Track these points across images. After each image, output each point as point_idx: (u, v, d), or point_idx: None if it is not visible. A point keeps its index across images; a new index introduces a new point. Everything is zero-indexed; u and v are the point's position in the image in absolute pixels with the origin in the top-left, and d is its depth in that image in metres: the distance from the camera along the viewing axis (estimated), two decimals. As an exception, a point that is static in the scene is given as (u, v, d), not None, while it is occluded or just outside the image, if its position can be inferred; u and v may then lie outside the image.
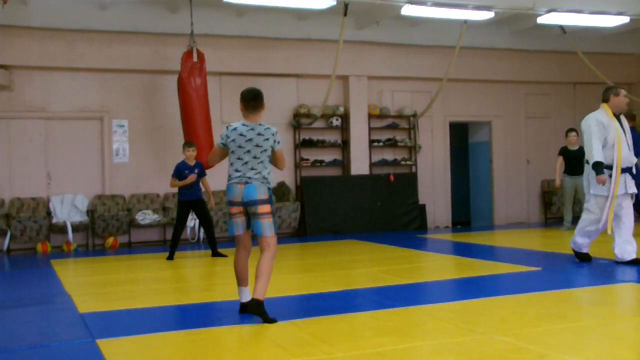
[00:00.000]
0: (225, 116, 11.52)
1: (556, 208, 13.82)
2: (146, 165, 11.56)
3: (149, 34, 11.33)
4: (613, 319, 4.92)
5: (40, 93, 11.05)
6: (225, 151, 5.34)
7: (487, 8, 11.10)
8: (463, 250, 9.97)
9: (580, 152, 10.98)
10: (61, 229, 10.71)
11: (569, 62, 13.78)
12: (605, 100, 7.36)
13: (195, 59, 10.58)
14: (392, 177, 12.81)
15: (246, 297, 5.32)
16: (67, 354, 4.36)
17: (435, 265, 8.31)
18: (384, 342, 4.34)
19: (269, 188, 5.22)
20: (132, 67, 11.30)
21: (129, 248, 11.04)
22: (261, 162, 5.20)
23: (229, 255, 8.73)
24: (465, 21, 11.62)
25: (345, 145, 12.75)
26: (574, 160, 11.21)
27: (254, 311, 4.99)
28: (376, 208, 12.66)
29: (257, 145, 5.18)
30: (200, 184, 9.27)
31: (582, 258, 7.63)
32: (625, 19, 11.90)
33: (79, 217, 10.93)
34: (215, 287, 7.03)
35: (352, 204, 12.50)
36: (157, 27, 11.37)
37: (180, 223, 9.30)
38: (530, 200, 14.31)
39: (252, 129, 5.22)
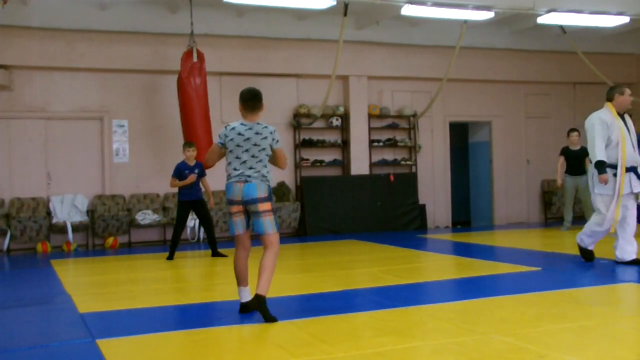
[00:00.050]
0: (225, 116, 11.52)
1: (556, 208, 13.82)
2: (146, 165, 11.56)
3: (149, 34, 11.33)
4: (613, 319, 4.92)
5: (40, 93, 11.05)
6: (223, 151, 5.35)
7: (487, 8, 11.11)
8: (463, 250, 9.97)
9: (582, 152, 11.04)
10: (61, 229, 10.71)
11: (569, 62, 13.78)
12: (610, 99, 7.33)
13: (195, 59, 10.58)
14: (392, 177, 12.81)
15: (246, 297, 5.33)
16: (67, 354, 4.36)
17: (435, 265, 8.31)
18: (384, 342, 4.34)
19: (268, 186, 5.23)
20: (132, 67, 11.31)
21: (129, 248, 11.04)
22: (260, 160, 5.21)
23: (229, 255, 8.72)
24: (465, 21, 11.62)
25: (345, 145, 12.75)
26: (575, 160, 11.22)
27: (256, 307, 5.00)
28: (376, 208, 12.66)
29: (255, 144, 5.19)
30: (200, 184, 9.27)
31: (586, 256, 7.58)
32: (625, 19, 11.90)
33: (79, 217, 10.93)
34: (215, 287, 7.03)
35: (352, 204, 12.50)
36: (157, 27, 11.37)
37: (180, 223, 9.30)
38: (530, 200, 14.31)
39: (251, 128, 5.23)
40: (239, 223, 5.26)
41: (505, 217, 14.02)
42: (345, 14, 10.68)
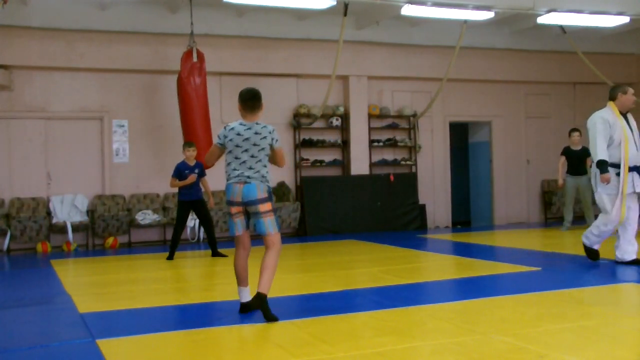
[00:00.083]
0: (225, 116, 11.51)
1: (556, 208, 13.82)
2: (146, 165, 11.56)
3: (149, 34, 11.33)
4: (613, 319, 4.92)
5: (40, 93, 11.05)
6: (223, 151, 5.36)
7: (487, 8, 11.11)
8: (463, 250, 9.97)
9: (583, 152, 11.04)
10: (61, 229, 10.71)
11: (569, 62, 13.78)
12: (613, 98, 7.29)
13: (195, 59, 10.58)
14: (392, 177, 12.81)
15: (246, 297, 5.33)
16: (67, 354, 4.36)
17: (435, 265, 8.31)
18: (384, 342, 4.34)
19: (268, 186, 5.23)
20: (132, 67, 11.30)
21: (129, 248, 11.04)
22: (259, 161, 5.21)
23: (229, 255, 8.73)
24: (465, 21, 11.62)
25: (345, 145, 12.75)
26: (576, 160, 11.22)
27: (257, 305, 5.00)
28: (376, 208, 12.66)
29: (254, 144, 5.20)
30: (200, 184, 9.27)
31: (592, 255, 7.55)
32: (625, 19, 11.90)
33: (79, 217, 10.93)
34: (215, 287, 7.03)
35: (352, 204, 12.50)
36: (157, 27, 11.37)
37: (180, 223, 9.30)
38: (530, 200, 14.31)
39: (250, 128, 5.23)
40: (239, 223, 5.27)
41: (505, 217, 14.02)
42: (345, 14, 10.68)
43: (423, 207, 13.14)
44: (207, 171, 9.34)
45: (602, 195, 7.22)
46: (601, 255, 7.67)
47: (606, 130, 7.11)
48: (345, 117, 12.71)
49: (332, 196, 12.36)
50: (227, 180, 5.25)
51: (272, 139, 5.26)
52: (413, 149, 13.26)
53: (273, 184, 11.58)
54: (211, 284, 7.42)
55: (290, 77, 12.44)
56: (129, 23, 11.22)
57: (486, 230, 12.90)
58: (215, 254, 9.22)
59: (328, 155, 12.68)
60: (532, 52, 13.90)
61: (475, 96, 13.82)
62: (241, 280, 5.34)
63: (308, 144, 12.49)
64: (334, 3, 10.39)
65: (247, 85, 5.76)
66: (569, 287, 6.16)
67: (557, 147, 12.86)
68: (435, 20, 12.06)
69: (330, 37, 11.86)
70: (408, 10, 10.78)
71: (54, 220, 10.76)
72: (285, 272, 7.30)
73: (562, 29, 12.42)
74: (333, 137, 12.76)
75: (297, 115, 12.40)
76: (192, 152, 9.21)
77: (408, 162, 13.19)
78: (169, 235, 10.64)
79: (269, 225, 5.18)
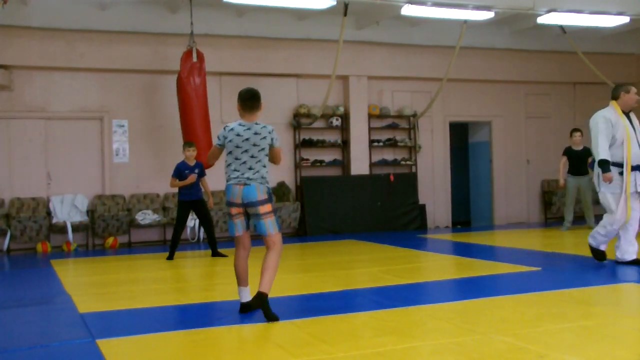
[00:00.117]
0: (225, 116, 11.51)
1: (556, 208, 13.82)
2: (146, 165, 11.56)
3: (149, 34, 11.33)
4: (613, 319, 4.92)
5: (40, 93, 11.05)
6: (222, 151, 5.38)
7: (487, 8, 11.11)
8: (463, 250, 9.97)
9: (584, 152, 11.04)
10: (61, 229, 10.71)
11: (569, 62, 13.79)
12: (615, 97, 7.27)
13: (194, 59, 10.58)
14: (392, 177, 12.81)
15: (246, 297, 5.33)
16: (67, 354, 4.36)
17: (435, 265, 8.31)
18: (384, 342, 4.34)
19: (268, 187, 5.24)
20: (132, 67, 11.31)
21: (129, 248, 11.04)
22: (259, 161, 5.21)
23: (229, 255, 8.73)
24: (465, 21, 11.62)
25: (345, 145, 12.75)
26: (577, 160, 11.22)
27: (258, 304, 5.00)
28: (376, 208, 12.66)
29: (254, 145, 5.20)
30: (200, 184, 9.26)
31: (598, 256, 7.49)
32: (625, 19, 11.90)
33: (79, 217, 10.93)
34: (215, 287, 7.03)
35: (352, 204, 12.50)
36: (157, 27, 11.37)
37: (180, 223, 9.30)
38: (530, 200, 14.31)
39: (249, 129, 5.23)
40: (239, 224, 5.28)
41: (505, 217, 14.02)
42: (345, 14, 10.68)
43: (423, 207, 13.14)
44: (207, 171, 9.34)
45: (606, 194, 7.19)
46: (601, 255, 7.67)
47: (608, 130, 7.09)
48: (345, 117, 12.71)
49: (332, 196, 12.36)
50: (227, 181, 5.25)
51: (272, 139, 5.27)
52: (413, 149, 13.26)
53: (273, 184, 11.59)
54: (211, 284, 7.42)
55: (290, 77, 12.44)
56: (129, 23, 11.22)
57: (486, 230, 12.90)
58: (215, 254, 9.22)
59: (328, 155, 12.68)
60: (532, 52, 13.90)
61: (475, 96, 13.82)
62: (241, 280, 5.35)
63: (308, 144, 12.49)
64: (334, 3, 10.39)
65: (247, 85, 5.76)
66: (569, 287, 6.15)
67: (557, 147, 12.88)
68: (435, 20, 12.07)
69: (330, 37, 11.86)
70: (408, 10, 10.78)
71: (54, 220, 10.76)
72: (285, 272, 7.30)
73: (562, 29, 12.42)
74: (333, 137, 12.76)
75: (297, 115, 12.40)
76: (192, 152, 9.20)
77: (408, 162, 13.19)
78: (169, 235, 10.64)
79: (270, 226, 5.19)
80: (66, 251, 10.64)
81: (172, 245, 9.18)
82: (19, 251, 10.67)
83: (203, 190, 9.35)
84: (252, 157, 5.20)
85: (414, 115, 13.16)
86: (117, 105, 11.44)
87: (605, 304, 5.61)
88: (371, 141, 12.88)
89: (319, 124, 12.54)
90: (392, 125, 13.13)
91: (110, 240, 10.95)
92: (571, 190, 11.35)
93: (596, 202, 12.24)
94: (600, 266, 7.36)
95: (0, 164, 10.85)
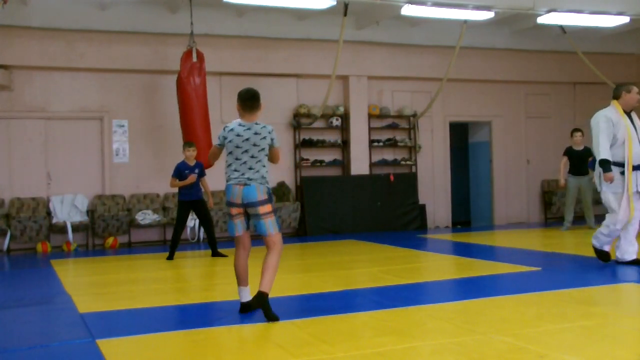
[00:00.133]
0: (225, 116, 11.51)
1: (556, 208, 13.82)
2: (146, 165, 11.56)
3: (149, 34, 11.34)
4: (613, 319, 4.92)
5: (40, 93, 11.05)
6: (222, 151, 5.38)
7: (487, 8, 11.11)
8: (463, 250, 9.97)
9: (585, 152, 11.04)
10: (61, 229, 10.71)
11: (569, 62, 13.78)
12: (617, 97, 7.26)
13: (194, 59, 10.58)
14: (392, 177, 12.81)
15: (246, 297, 5.33)
16: (67, 354, 4.36)
17: (435, 265, 8.31)
18: (384, 342, 4.34)
19: (268, 187, 5.24)
20: (132, 67, 11.31)
21: (129, 248, 11.04)
22: (259, 161, 5.22)
23: (229, 255, 8.73)
24: (465, 21, 11.62)
25: (345, 145, 12.75)
26: (578, 160, 11.22)
27: (258, 304, 5.00)
28: (376, 208, 12.66)
29: (254, 145, 5.20)
30: (200, 184, 9.26)
31: (603, 257, 7.45)
32: (625, 19, 11.90)
33: (79, 217, 10.93)
34: (215, 287, 7.03)
35: (352, 204, 12.50)
36: (157, 27, 11.37)
37: (180, 223, 9.30)
38: (530, 200, 14.31)
39: (249, 129, 5.24)
40: (239, 224, 5.28)
41: (505, 217, 14.02)
42: (345, 14, 10.68)
43: (423, 207, 13.14)
44: (207, 171, 9.34)
45: (608, 194, 7.18)
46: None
47: (609, 129, 7.09)
48: (345, 117, 12.71)
49: (332, 196, 12.36)
50: (227, 181, 5.25)
51: (272, 139, 5.28)
52: (413, 149, 13.26)
53: (273, 184, 11.59)
54: (211, 284, 7.42)
55: (290, 77, 12.44)
56: (129, 23, 11.22)
57: (486, 230, 12.90)
58: (215, 254, 9.22)
59: (328, 155, 12.68)
60: (532, 52, 13.90)
61: (475, 96, 13.82)
62: (241, 280, 5.35)
63: (308, 144, 12.49)
64: (334, 3, 10.39)
65: (247, 85, 5.77)
66: (569, 287, 6.16)
67: (557, 147, 12.87)
68: (435, 20, 12.06)
69: (330, 37, 11.86)
70: (408, 10, 10.78)
71: (54, 220, 10.76)
72: (285, 272, 7.29)
73: (562, 29, 12.42)
74: (333, 137, 12.76)
75: (297, 115, 12.40)
76: (192, 152, 9.20)
77: (408, 162, 13.19)
78: (169, 235, 10.64)
79: (270, 226, 5.19)
80: (66, 251, 10.64)
81: (172, 245, 9.18)
82: (19, 251, 10.67)
83: (203, 190, 9.35)
84: (252, 157, 5.20)
85: (414, 115, 13.16)
86: (117, 105, 11.44)
87: (605, 304, 5.61)
88: (371, 141, 12.88)
89: (319, 124, 12.54)
90: (392, 125, 13.13)
91: (110, 240, 10.96)
92: (572, 190, 11.35)
93: (596, 202, 12.29)
94: (600, 266, 7.35)
95: (0, 164, 10.86)
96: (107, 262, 9.30)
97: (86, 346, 4.47)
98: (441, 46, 12.86)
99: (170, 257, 9.09)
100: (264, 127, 5.28)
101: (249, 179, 5.16)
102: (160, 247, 10.94)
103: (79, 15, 10.95)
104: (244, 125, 5.26)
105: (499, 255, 9.37)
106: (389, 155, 13.12)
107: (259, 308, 5.03)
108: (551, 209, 14.06)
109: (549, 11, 11.38)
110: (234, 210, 5.23)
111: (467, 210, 14.64)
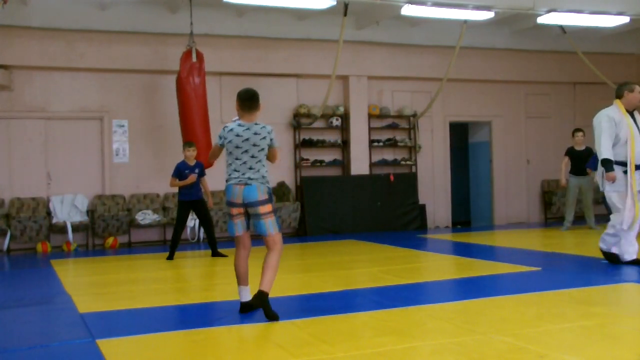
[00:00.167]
0: (224, 116, 11.51)
1: (556, 208, 13.82)
2: (146, 165, 11.56)
3: (149, 34, 11.34)
4: (613, 319, 4.92)
5: (40, 93, 11.05)
6: (222, 151, 5.39)
7: (487, 8, 11.11)
8: (463, 250, 9.97)
9: (586, 152, 11.04)
10: (61, 229, 10.71)
11: (569, 62, 13.79)
12: (619, 96, 7.26)
13: (194, 59, 10.58)
14: (392, 177, 12.81)
15: (246, 297, 5.33)
16: (67, 354, 4.36)
17: (435, 265, 8.31)
18: (384, 342, 4.34)
19: (268, 187, 5.24)
20: (132, 67, 11.31)
21: (129, 248, 11.04)
22: (259, 161, 5.22)
23: (229, 255, 8.73)
24: (465, 21, 11.62)
25: (345, 145, 12.75)
26: (579, 161, 11.22)
27: (258, 303, 5.00)
28: (376, 208, 12.66)
29: (254, 145, 5.20)
30: (200, 184, 9.26)
31: (611, 259, 7.40)
32: (625, 19, 11.90)
33: (79, 217, 10.93)
34: (215, 287, 7.03)
35: (352, 204, 12.50)
36: (157, 27, 11.37)
37: (180, 223, 9.30)
38: (530, 200, 14.31)
39: (248, 129, 5.24)
40: (239, 224, 5.28)
41: (505, 217, 14.02)
42: (345, 14, 10.68)
43: (423, 207, 13.14)
44: (207, 171, 9.35)
45: (611, 193, 7.17)
46: (601, 256, 7.64)
47: (612, 129, 7.08)
48: (345, 117, 12.71)
49: (332, 196, 12.36)
50: (227, 181, 5.25)
51: (271, 139, 5.29)
52: (413, 149, 13.26)
53: (273, 184, 11.58)
54: (211, 284, 7.42)
55: (290, 77, 12.44)
56: (129, 23, 11.22)
57: (486, 230, 12.90)
58: (215, 254, 9.22)
59: (328, 155, 12.68)
60: (532, 52, 13.90)
61: (475, 96, 13.82)
62: (241, 280, 5.35)
63: (308, 144, 12.49)
64: (334, 3, 10.39)
65: (247, 85, 5.78)
66: (569, 287, 6.16)
67: (557, 147, 12.87)
68: (435, 20, 12.07)
69: (330, 37, 11.86)
70: (408, 10, 10.78)
71: (54, 220, 10.76)
72: (285, 272, 7.29)
73: (562, 29, 12.42)
74: (333, 137, 12.76)
75: (297, 115, 12.40)
76: (192, 152, 9.20)
77: (408, 162, 13.19)
78: (169, 235, 10.64)
79: (270, 226, 5.19)
80: (66, 251, 10.64)
81: (172, 245, 9.18)
82: (19, 251, 10.67)
83: (203, 190, 9.35)
84: (252, 157, 5.20)
85: (414, 115, 13.16)
86: (117, 105, 11.44)
87: (605, 304, 5.61)
88: (371, 141, 12.88)
89: (319, 124, 12.54)
90: (392, 125, 13.13)
91: (110, 240, 10.96)
92: (572, 190, 11.35)
93: (597, 202, 12.31)
94: (600, 266, 7.35)
95: (0, 164, 10.86)
96: (107, 262, 9.30)
97: (86, 346, 4.47)
98: (441, 46, 12.86)
99: (170, 257, 9.09)
100: (264, 127, 5.29)
101: (249, 178, 5.16)
102: (160, 247, 10.94)
103: (79, 15, 10.96)
104: (243, 126, 5.26)
105: (499, 255, 9.36)
106: (389, 155, 13.13)
107: (260, 307, 5.04)
108: (551, 209, 14.06)
109: (549, 11, 11.38)
110: (234, 210, 5.23)
111: (467, 210, 14.64)
